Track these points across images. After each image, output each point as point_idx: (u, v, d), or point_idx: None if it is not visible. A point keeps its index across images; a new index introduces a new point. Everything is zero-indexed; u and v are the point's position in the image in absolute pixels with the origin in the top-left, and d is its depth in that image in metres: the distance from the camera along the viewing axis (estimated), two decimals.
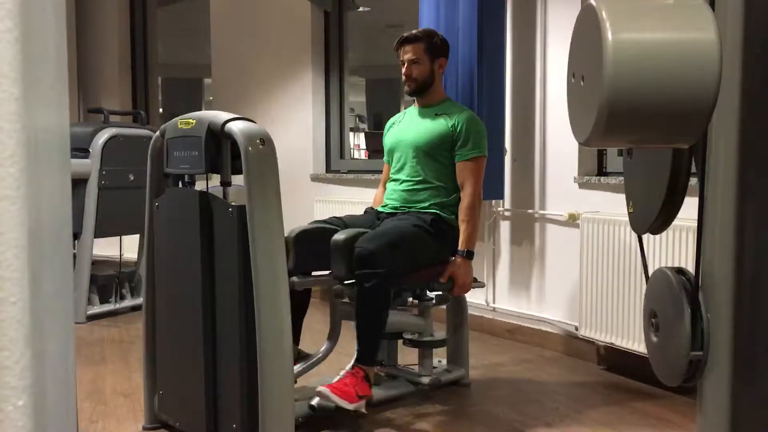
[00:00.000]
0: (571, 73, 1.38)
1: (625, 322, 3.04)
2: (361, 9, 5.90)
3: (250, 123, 2.18)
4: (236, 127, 2.14)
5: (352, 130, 7.68)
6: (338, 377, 2.56)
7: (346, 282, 2.63)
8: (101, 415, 2.73)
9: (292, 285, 2.57)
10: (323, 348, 2.70)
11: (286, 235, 2.65)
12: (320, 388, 2.47)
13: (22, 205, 0.73)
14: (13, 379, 0.73)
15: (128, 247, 4.63)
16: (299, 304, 2.75)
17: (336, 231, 2.72)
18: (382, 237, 2.63)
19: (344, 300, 2.70)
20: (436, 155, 2.92)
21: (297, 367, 2.62)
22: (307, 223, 2.85)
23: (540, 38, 3.57)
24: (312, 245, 2.65)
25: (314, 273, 2.69)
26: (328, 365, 3.24)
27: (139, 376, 2.92)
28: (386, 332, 2.88)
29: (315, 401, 2.50)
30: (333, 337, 2.71)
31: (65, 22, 0.89)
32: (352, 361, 2.66)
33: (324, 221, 2.87)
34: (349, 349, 3.52)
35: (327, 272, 2.69)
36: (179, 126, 2.32)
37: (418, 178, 2.93)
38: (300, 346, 2.78)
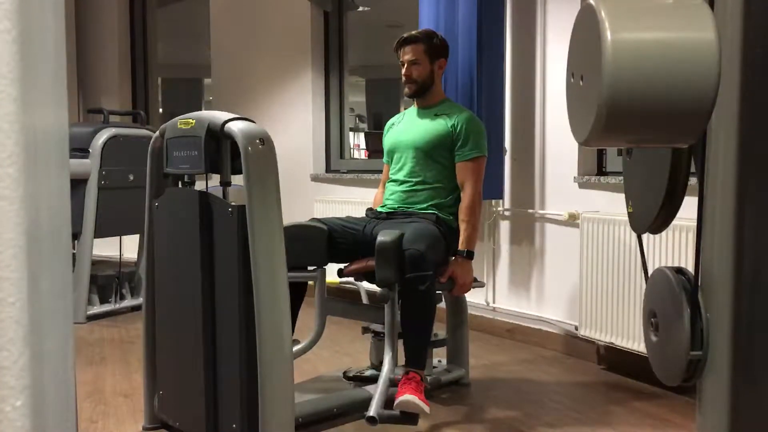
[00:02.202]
0: (571, 73, 1.37)
1: (625, 321, 3.04)
2: (360, 9, 5.89)
3: (250, 123, 2.18)
4: (236, 127, 2.14)
5: (351, 129, 7.68)
6: (381, 383, 2.53)
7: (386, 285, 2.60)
8: (101, 415, 2.73)
9: None
10: (307, 341, 2.67)
11: None
12: (406, 397, 2.42)
13: (21, 205, 0.73)
14: (12, 379, 0.73)
15: (128, 247, 4.64)
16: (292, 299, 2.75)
17: (320, 230, 2.71)
18: (424, 238, 2.61)
19: (381, 302, 2.67)
20: (435, 156, 2.92)
21: None
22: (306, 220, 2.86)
23: (540, 38, 3.57)
24: (296, 242, 2.63)
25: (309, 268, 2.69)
26: (326, 365, 3.25)
27: (139, 376, 2.92)
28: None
29: (373, 412, 2.43)
30: (318, 331, 2.70)
31: (64, 22, 0.89)
32: (387, 366, 2.61)
33: (313, 219, 2.87)
34: (348, 348, 3.53)
35: (313, 268, 2.70)
36: (179, 126, 2.32)
37: (417, 179, 2.93)
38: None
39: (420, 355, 2.60)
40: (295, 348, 2.60)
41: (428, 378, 2.89)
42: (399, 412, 2.45)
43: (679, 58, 1.20)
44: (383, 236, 2.58)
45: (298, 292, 2.77)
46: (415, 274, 2.52)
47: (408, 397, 2.43)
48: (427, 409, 2.46)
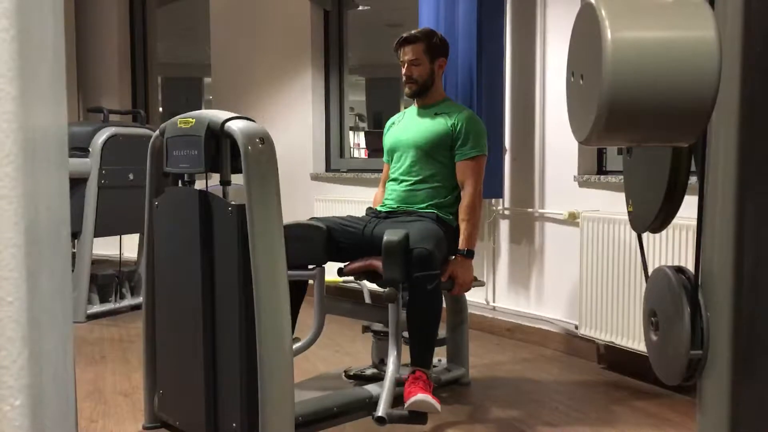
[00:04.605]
0: (571, 72, 1.37)
1: (625, 320, 3.04)
2: (360, 8, 5.89)
3: (250, 122, 2.18)
4: (236, 126, 2.14)
5: (352, 129, 7.68)
6: (388, 383, 2.52)
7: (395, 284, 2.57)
8: (101, 415, 2.73)
9: None
10: (306, 339, 2.67)
11: None
12: (419, 397, 2.40)
13: (19, 204, 0.73)
14: (11, 378, 0.73)
15: (128, 247, 4.64)
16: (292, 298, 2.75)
17: (319, 229, 2.71)
18: (430, 237, 2.60)
19: (387, 302, 2.64)
20: (435, 155, 2.92)
21: None
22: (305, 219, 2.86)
23: (539, 37, 3.57)
24: (295, 241, 2.63)
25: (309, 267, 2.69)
26: (327, 365, 3.25)
27: (139, 375, 2.92)
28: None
29: (382, 412, 2.41)
30: (316, 329, 2.70)
31: (63, 21, 0.89)
32: (392, 366, 2.60)
33: (313, 219, 2.87)
34: (348, 348, 3.53)
35: (312, 267, 2.70)
36: (179, 125, 2.32)
37: (417, 178, 2.93)
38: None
39: (427, 354, 2.60)
40: (295, 346, 2.60)
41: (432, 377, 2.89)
42: (408, 411, 2.44)
43: (679, 57, 1.20)
44: (390, 235, 2.53)
45: (298, 291, 2.77)
46: (423, 273, 2.51)
47: (421, 396, 2.42)
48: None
